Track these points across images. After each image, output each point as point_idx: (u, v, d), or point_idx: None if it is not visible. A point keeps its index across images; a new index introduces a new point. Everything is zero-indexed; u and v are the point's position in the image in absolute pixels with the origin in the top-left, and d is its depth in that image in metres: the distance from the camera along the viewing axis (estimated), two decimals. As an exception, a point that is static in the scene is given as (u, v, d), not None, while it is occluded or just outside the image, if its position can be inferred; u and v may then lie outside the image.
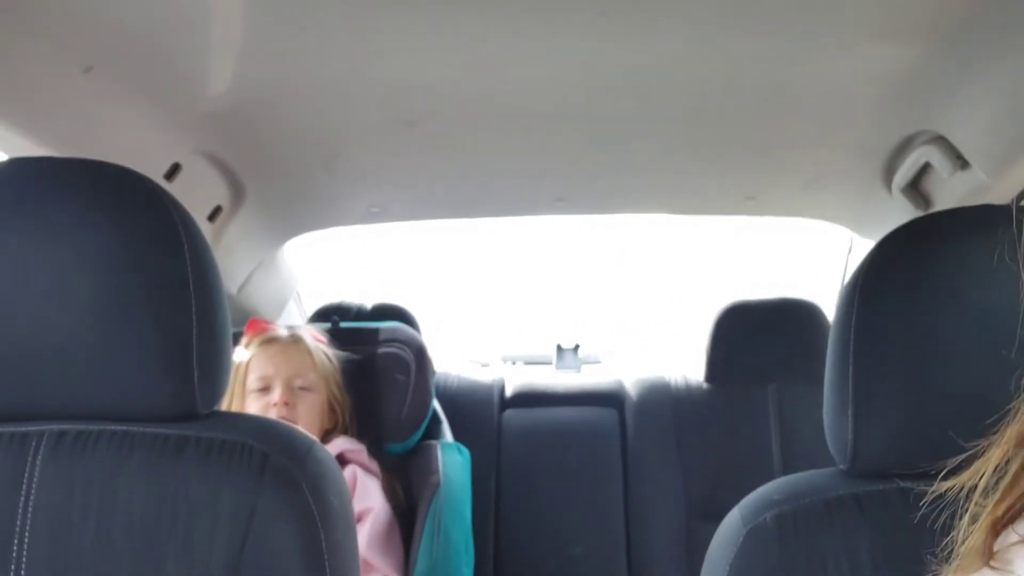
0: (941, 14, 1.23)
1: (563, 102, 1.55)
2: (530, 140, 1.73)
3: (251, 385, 1.74)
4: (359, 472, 1.73)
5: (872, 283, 0.87)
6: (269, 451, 0.90)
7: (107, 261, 0.87)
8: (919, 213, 1.80)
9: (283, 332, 1.81)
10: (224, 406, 1.35)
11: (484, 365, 2.91)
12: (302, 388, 1.75)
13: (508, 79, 1.46)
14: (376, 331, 1.96)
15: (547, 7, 1.24)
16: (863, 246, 2.25)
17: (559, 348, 2.83)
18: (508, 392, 2.37)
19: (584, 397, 2.36)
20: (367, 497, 1.70)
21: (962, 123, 1.52)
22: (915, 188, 1.78)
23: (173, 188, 1.61)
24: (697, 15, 1.27)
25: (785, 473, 0.96)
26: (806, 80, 1.47)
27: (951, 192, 1.67)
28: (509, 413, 2.32)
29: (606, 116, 1.61)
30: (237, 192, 1.86)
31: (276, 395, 1.71)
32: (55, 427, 0.90)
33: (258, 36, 1.32)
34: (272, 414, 1.69)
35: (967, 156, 1.55)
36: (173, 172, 1.64)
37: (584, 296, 3.79)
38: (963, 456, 0.61)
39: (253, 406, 1.72)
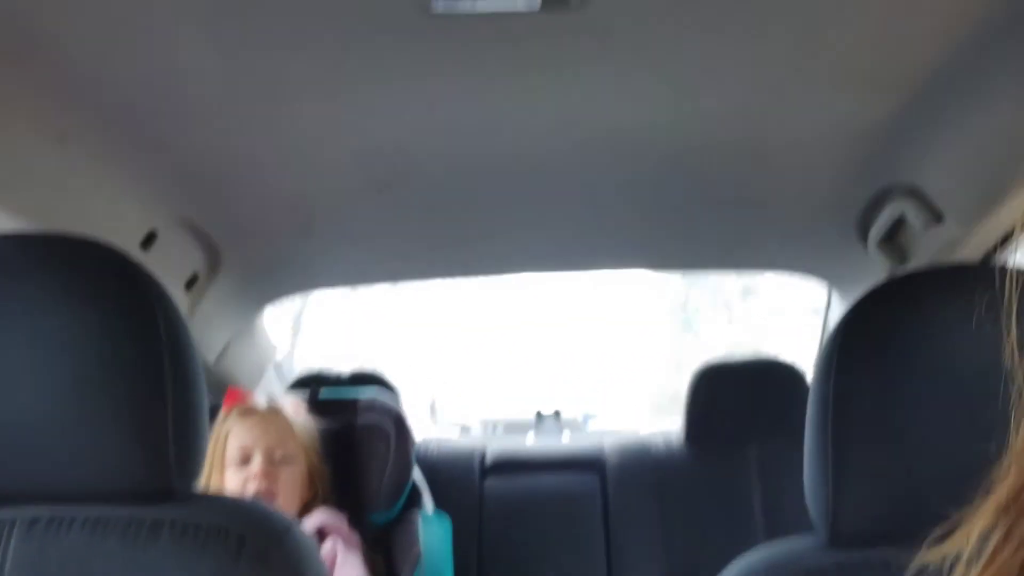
0: (914, 68, 1.25)
1: (538, 161, 1.56)
2: (508, 199, 1.73)
3: (230, 457, 1.71)
4: (340, 545, 1.69)
5: (848, 345, 0.86)
6: (246, 533, 0.87)
7: (80, 338, 0.86)
8: (896, 267, 1.81)
9: (262, 402, 1.79)
10: (204, 478, 1.32)
11: (465, 429, 2.89)
12: (282, 459, 1.72)
13: (482, 141, 1.47)
14: (355, 401, 1.94)
15: (518, 70, 1.25)
16: (842, 302, 2.26)
17: (539, 415, 2.81)
18: (488, 460, 2.35)
19: (565, 463, 2.34)
20: (348, 569, 1.67)
21: (935, 175, 1.54)
22: (891, 242, 1.79)
23: (149, 257, 1.59)
24: (671, 74, 1.28)
25: (768, 536, 0.95)
26: (780, 135, 1.49)
27: (926, 246, 1.68)
28: (490, 481, 2.29)
29: (581, 174, 1.62)
30: (214, 258, 1.85)
31: (256, 466, 1.69)
32: (28, 513, 0.87)
33: (231, 101, 1.32)
34: (252, 486, 1.67)
35: (941, 208, 1.56)
36: (149, 240, 1.62)
37: (565, 359, 3.79)
38: (945, 528, 0.60)
39: (233, 478, 1.69)
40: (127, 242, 1.52)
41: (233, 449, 1.71)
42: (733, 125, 1.44)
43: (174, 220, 1.66)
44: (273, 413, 1.76)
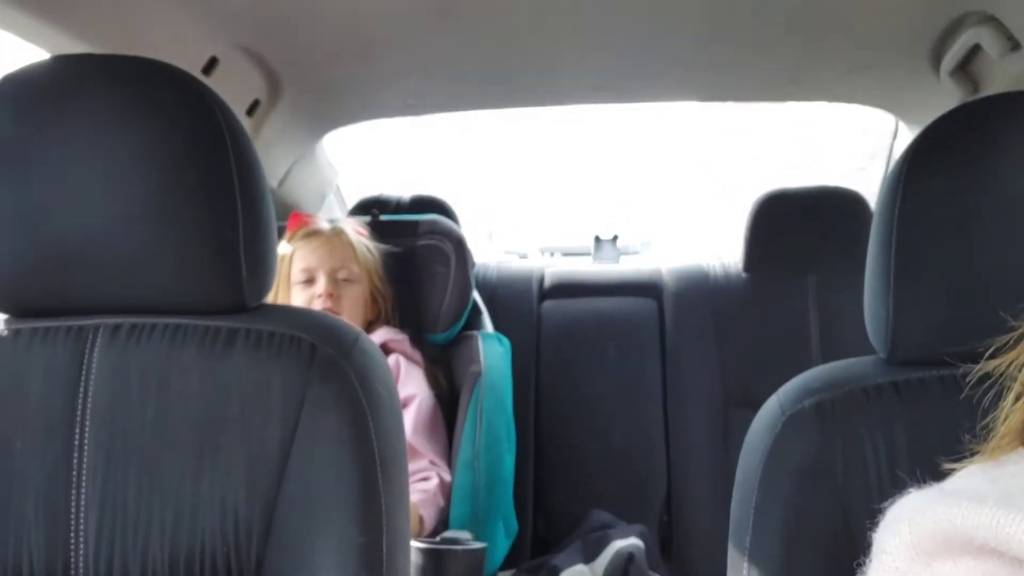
0: None
1: None
2: (567, 27, 1.69)
3: (295, 277, 1.77)
4: (402, 361, 1.77)
5: (918, 168, 0.86)
6: (317, 342, 0.92)
7: (153, 158, 0.88)
8: (967, 97, 1.75)
9: (325, 225, 1.83)
10: (270, 299, 1.38)
11: (522, 256, 2.92)
12: (345, 280, 1.77)
13: None
14: (415, 223, 1.97)
15: None
16: (909, 132, 2.21)
17: (597, 239, 2.82)
18: (547, 283, 2.38)
19: (623, 287, 2.37)
20: (411, 385, 1.74)
21: (1013, 2, 1.47)
22: (963, 71, 1.73)
23: (211, 82, 1.59)
24: None
25: (824, 361, 0.97)
26: None
27: (1001, 75, 1.62)
28: (548, 303, 2.34)
29: (645, 1, 1.58)
30: (274, 86, 1.86)
31: (320, 287, 1.74)
32: (110, 320, 0.93)
33: None
34: (316, 305, 1.73)
35: (1019, 37, 1.50)
36: (211, 66, 1.63)
37: (622, 186, 3.76)
38: (1009, 337, 0.61)
39: (297, 298, 1.76)
40: (189, 67, 1.52)
41: (298, 270, 1.76)
42: None
43: (235, 46, 1.67)
44: (336, 234, 1.81)
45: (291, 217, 1.87)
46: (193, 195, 0.90)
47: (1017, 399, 0.57)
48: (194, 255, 0.91)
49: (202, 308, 0.93)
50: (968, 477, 0.57)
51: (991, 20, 1.53)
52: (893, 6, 1.60)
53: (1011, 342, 0.61)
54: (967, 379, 0.65)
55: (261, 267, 0.96)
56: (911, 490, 0.56)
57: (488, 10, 1.60)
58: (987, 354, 0.62)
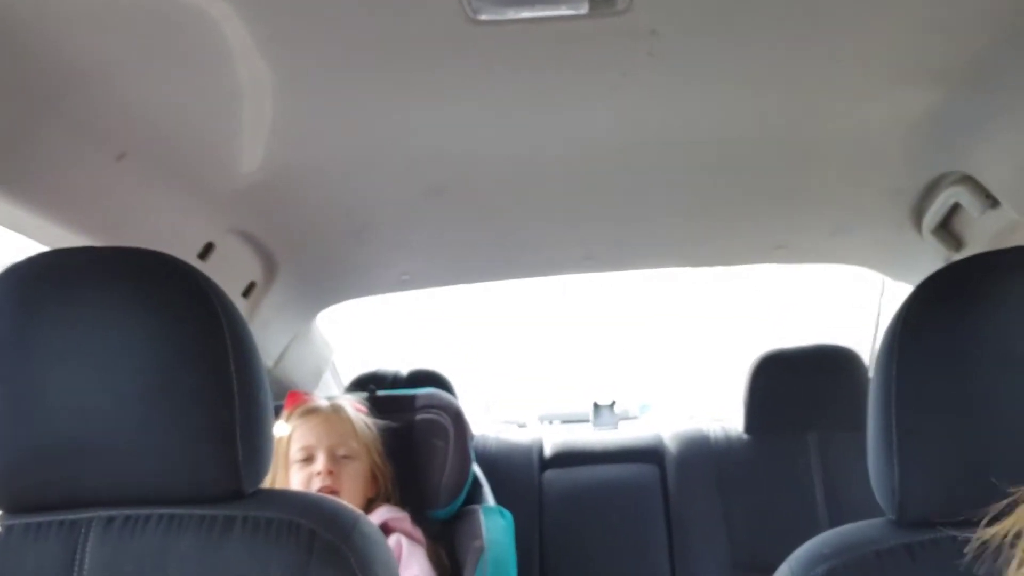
0: (964, 56, 1.24)
1: (590, 162, 1.57)
2: (558, 201, 1.74)
3: (294, 456, 1.74)
4: (404, 541, 1.72)
5: (911, 330, 0.86)
6: (316, 528, 0.90)
7: (149, 347, 0.89)
8: (951, 254, 1.79)
9: (323, 402, 1.83)
10: (268, 480, 1.35)
11: (521, 426, 2.90)
12: (345, 457, 1.75)
13: (533, 143, 1.48)
14: (413, 398, 1.97)
15: (570, 71, 1.25)
16: (896, 289, 2.24)
17: (596, 406, 2.82)
18: (547, 452, 2.36)
19: (624, 454, 2.35)
20: (414, 566, 1.69)
21: (990, 162, 1.52)
22: (945, 229, 1.78)
23: (207, 267, 1.63)
24: (720, 72, 1.28)
25: (831, 522, 0.95)
26: (832, 129, 1.48)
27: (982, 231, 1.66)
28: (549, 473, 2.31)
29: (633, 173, 1.62)
30: (270, 267, 1.89)
31: (320, 464, 1.72)
32: (103, 513, 0.91)
33: (286, 114, 1.35)
34: (315, 484, 1.70)
35: (997, 195, 1.55)
36: (207, 251, 1.66)
37: (617, 351, 3.78)
38: (1005, 502, 0.60)
39: (296, 477, 1.73)
40: (186, 254, 1.56)
41: (296, 448, 1.74)
42: (783, 120, 1.43)
43: (231, 231, 1.70)
44: (335, 412, 1.80)
45: (288, 396, 1.86)
46: (189, 382, 0.90)
47: (1020, 566, 0.56)
48: (190, 443, 0.90)
49: (198, 497, 0.92)
50: None
51: (968, 180, 1.58)
52: (874, 169, 1.65)
53: (1008, 509, 0.60)
54: (965, 550, 0.64)
55: (258, 451, 0.95)
56: None
57: (480, 188, 1.65)
58: (983, 523, 0.61)
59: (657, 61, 1.22)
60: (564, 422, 3.00)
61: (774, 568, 0.92)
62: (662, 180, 1.67)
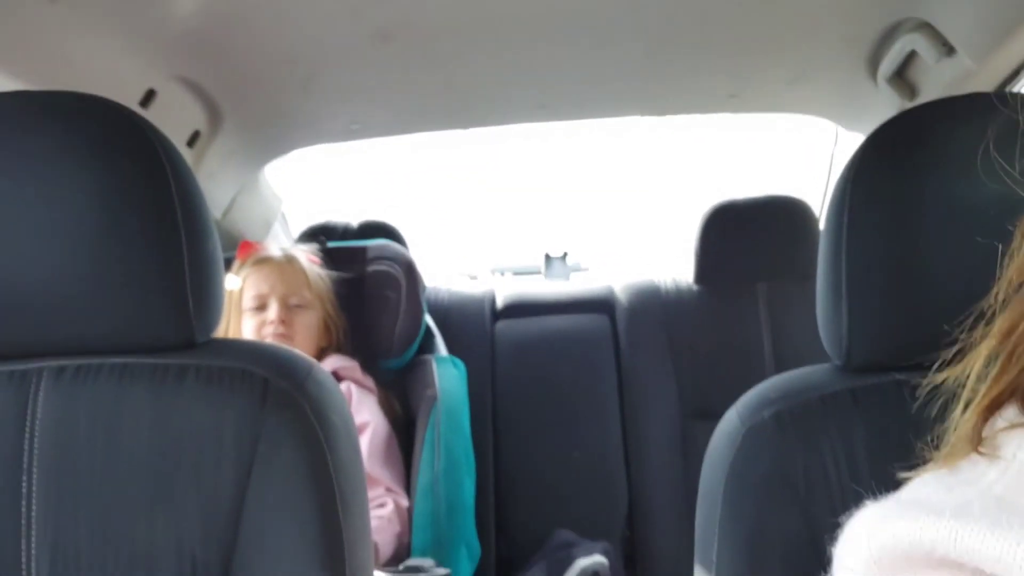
0: None
1: (542, 6, 1.52)
2: (510, 47, 1.70)
3: (246, 304, 1.74)
4: (354, 388, 1.75)
5: (864, 177, 0.86)
6: (269, 376, 0.90)
7: (93, 194, 0.86)
8: (905, 102, 1.79)
9: (277, 252, 1.81)
10: (220, 329, 1.35)
11: (473, 277, 2.91)
12: (298, 306, 1.75)
13: None
14: (364, 249, 1.96)
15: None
16: (849, 138, 2.24)
17: (547, 257, 2.83)
18: (499, 303, 2.38)
19: (575, 305, 2.37)
20: (364, 412, 1.72)
21: (948, 9, 1.50)
22: (901, 77, 1.76)
23: (149, 115, 1.58)
24: None
25: (778, 370, 0.97)
26: None
27: (937, 79, 1.65)
28: (501, 324, 2.33)
29: (585, 19, 1.58)
30: (215, 115, 1.83)
31: (272, 313, 1.72)
32: (54, 363, 0.90)
33: None
34: (268, 332, 1.70)
35: (953, 42, 1.53)
36: (148, 99, 1.60)
37: (570, 204, 3.77)
38: (956, 348, 0.61)
39: (248, 324, 1.73)
40: (126, 101, 1.50)
41: (249, 297, 1.74)
42: None
43: (172, 77, 1.64)
44: (288, 261, 1.79)
45: (241, 245, 1.84)
46: (136, 231, 0.88)
47: (966, 407, 0.57)
48: (139, 292, 0.89)
49: (150, 346, 0.91)
50: (923, 486, 0.56)
51: (926, 26, 1.56)
52: (830, 15, 1.62)
53: (956, 354, 0.61)
54: (917, 391, 0.66)
55: (209, 301, 0.94)
56: (868, 502, 0.56)
57: (428, 32, 1.60)
58: (934, 368, 0.62)
59: None
60: (516, 274, 3.01)
61: (720, 416, 0.94)
62: (615, 26, 1.63)
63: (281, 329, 1.71)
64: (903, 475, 0.60)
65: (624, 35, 1.66)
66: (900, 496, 0.56)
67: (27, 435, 0.88)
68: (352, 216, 2.23)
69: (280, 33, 1.56)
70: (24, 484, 0.87)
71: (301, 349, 1.72)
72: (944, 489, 0.53)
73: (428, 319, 2.01)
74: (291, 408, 0.89)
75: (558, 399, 2.22)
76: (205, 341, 0.95)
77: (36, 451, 0.88)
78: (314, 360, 0.98)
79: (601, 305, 2.33)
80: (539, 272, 2.85)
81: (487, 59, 1.75)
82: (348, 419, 0.97)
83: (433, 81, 1.86)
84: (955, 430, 0.58)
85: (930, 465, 0.59)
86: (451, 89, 1.93)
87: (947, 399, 0.62)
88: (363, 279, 1.92)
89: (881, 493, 0.57)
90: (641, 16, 1.58)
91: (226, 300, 1.72)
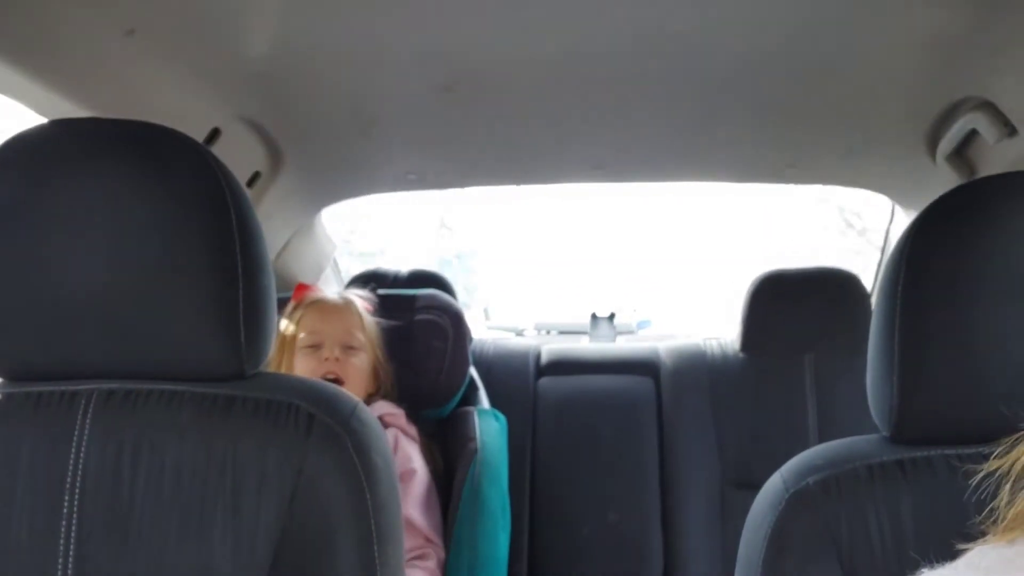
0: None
1: (604, 66, 1.54)
2: (569, 106, 1.72)
3: (301, 342, 1.76)
4: (400, 436, 1.75)
5: (919, 250, 0.86)
6: (315, 411, 0.91)
7: (156, 222, 0.88)
8: (963, 182, 1.77)
9: (335, 295, 1.84)
10: (273, 368, 1.36)
11: (519, 334, 2.91)
12: (351, 348, 1.77)
13: (548, 43, 1.45)
14: (414, 298, 1.97)
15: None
16: (905, 215, 2.22)
17: (594, 317, 2.82)
18: (543, 360, 2.38)
19: (619, 365, 2.36)
20: (409, 460, 1.72)
21: (1010, 88, 1.49)
22: (960, 156, 1.75)
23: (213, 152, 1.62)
24: None
25: (821, 442, 0.96)
26: (850, 46, 1.45)
27: (998, 160, 1.64)
28: (545, 381, 2.33)
29: (648, 81, 1.60)
30: (275, 158, 1.87)
31: (327, 351, 1.74)
32: (104, 386, 0.92)
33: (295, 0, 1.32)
34: (321, 371, 1.72)
35: (1015, 122, 1.52)
36: (213, 137, 1.65)
37: (619, 265, 3.78)
38: (1016, 436, 0.61)
39: (302, 363, 1.74)
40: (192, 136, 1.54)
41: (304, 335, 1.76)
42: (801, 34, 1.40)
43: (237, 118, 1.68)
44: (345, 304, 1.81)
45: (297, 287, 1.87)
46: (195, 260, 0.90)
47: (1010, 505, 0.57)
48: (193, 321, 0.90)
49: (200, 375, 0.92)
50: (982, 558, 0.56)
51: (988, 105, 1.55)
52: (890, 92, 1.62)
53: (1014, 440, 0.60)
54: (969, 480, 0.65)
55: (260, 335, 0.95)
56: (924, 570, 0.55)
57: (491, 87, 1.62)
58: (995, 454, 0.61)
59: None
60: (561, 333, 3.01)
61: (762, 484, 0.93)
62: (675, 91, 1.64)
63: (335, 367, 1.73)
64: (961, 547, 0.59)
65: (682, 99, 1.67)
66: (958, 565, 0.55)
67: (72, 455, 0.89)
68: (402, 264, 2.26)
69: (345, 80, 1.59)
70: (66, 504, 0.88)
71: (351, 392, 1.73)
72: (1003, 561, 0.53)
73: (473, 371, 2.01)
74: (334, 444, 0.90)
75: (597, 459, 2.21)
76: (254, 373, 0.96)
77: (80, 471, 0.89)
78: (359, 400, 0.99)
79: (646, 367, 2.32)
80: (585, 332, 2.84)
81: (546, 117, 1.77)
82: (390, 460, 0.97)
83: (490, 136, 1.89)
84: (1013, 506, 0.58)
85: (989, 538, 0.58)
86: (508, 145, 1.95)
87: (1001, 476, 0.62)
88: (411, 327, 1.93)
89: (935, 564, 0.56)
90: (700, 81, 1.59)
91: (280, 339, 1.74)
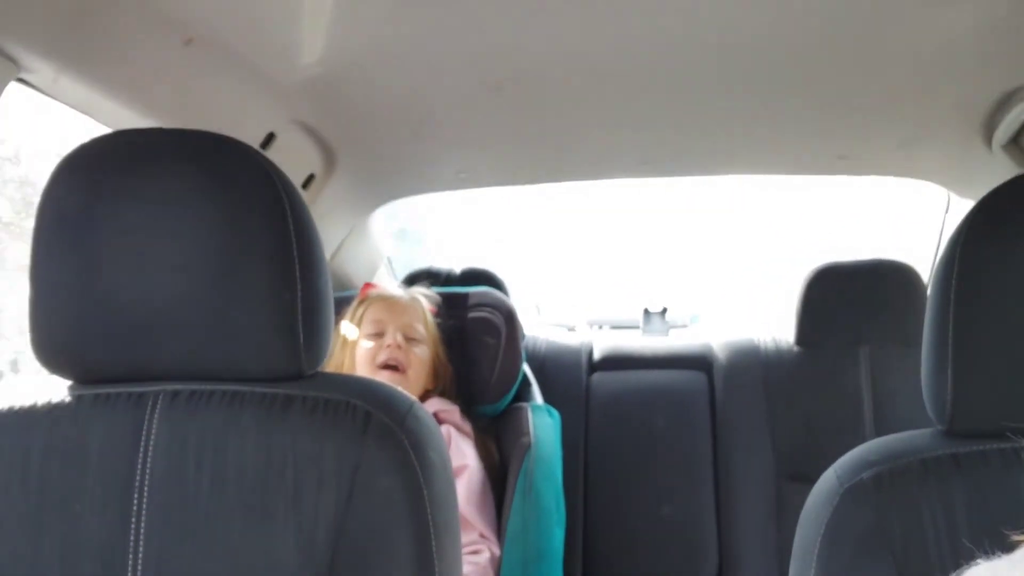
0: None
1: (651, 62, 1.54)
2: (618, 101, 1.72)
3: (365, 330, 1.79)
4: (453, 432, 1.77)
5: (973, 241, 0.86)
6: (372, 409, 0.93)
7: (217, 228, 0.91)
8: (1020, 171, 1.74)
9: (396, 290, 1.88)
10: (332, 367, 1.39)
11: (571, 329, 2.92)
12: (413, 339, 1.80)
13: (596, 40, 1.45)
14: (466, 296, 1.99)
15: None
16: (961, 205, 2.19)
17: (646, 312, 2.82)
18: (596, 355, 2.38)
19: (672, 360, 2.35)
20: (462, 455, 1.74)
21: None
22: (1017, 144, 1.73)
23: (268, 156, 1.65)
24: None
25: (877, 436, 0.96)
26: (902, 34, 1.43)
27: (1055, 148, 1.62)
28: (597, 376, 2.33)
29: (694, 75, 1.59)
30: (329, 160, 1.90)
31: (390, 337, 1.77)
32: (170, 387, 0.94)
33: (348, 3, 1.34)
34: (383, 356, 1.75)
35: (1073, 109, 1.50)
36: (268, 141, 1.68)
37: (671, 259, 3.76)
38: None
39: (364, 350, 1.78)
40: (248, 142, 1.57)
41: (368, 323, 1.80)
42: (851, 21, 1.39)
43: (292, 122, 1.71)
44: (411, 299, 1.85)
45: (364, 285, 1.91)
46: (255, 265, 0.92)
47: None
48: (254, 323, 0.93)
49: (260, 375, 0.95)
50: None
51: (1044, 93, 1.53)
52: (944, 80, 1.60)
53: None
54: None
55: (318, 336, 0.97)
56: (979, 561, 0.55)
57: (540, 85, 1.63)
58: None
59: None
60: (614, 327, 3.01)
61: (817, 479, 0.93)
62: (722, 84, 1.64)
63: (397, 354, 1.76)
64: (1017, 538, 0.59)
65: (730, 91, 1.67)
66: (1012, 557, 0.55)
67: (141, 455, 0.92)
68: (455, 262, 2.28)
69: (396, 81, 1.61)
70: (135, 502, 0.91)
71: (411, 383, 1.76)
72: None
73: (526, 367, 2.02)
74: (391, 441, 0.92)
75: (651, 453, 2.21)
76: (312, 373, 0.98)
77: (149, 471, 0.92)
78: (415, 398, 1.01)
79: (699, 362, 2.31)
80: (637, 327, 2.84)
81: (594, 113, 1.78)
82: (445, 457, 0.99)
83: (540, 134, 1.90)
84: None
85: None
86: (557, 142, 1.96)
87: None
88: (464, 325, 1.95)
89: (991, 555, 0.56)
90: (748, 73, 1.58)
91: (340, 341, 1.78)
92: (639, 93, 1.68)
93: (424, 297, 1.90)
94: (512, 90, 1.64)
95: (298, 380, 0.96)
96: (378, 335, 1.79)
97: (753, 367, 2.18)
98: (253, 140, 1.64)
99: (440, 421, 1.78)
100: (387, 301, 1.84)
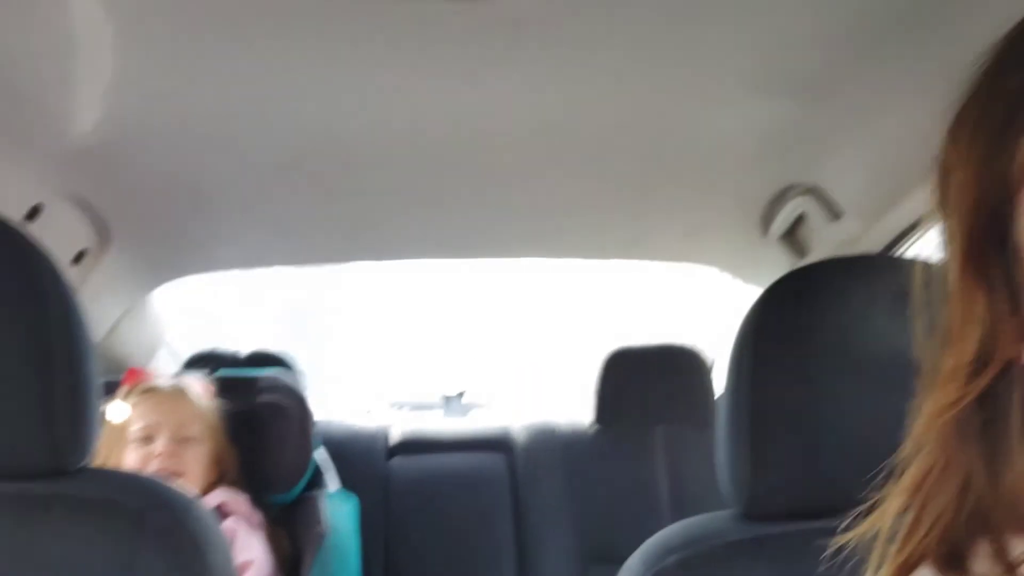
0: (816, 71, 1.27)
1: (446, 146, 1.53)
2: (412, 184, 1.70)
3: (132, 435, 1.65)
4: (241, 524, 1.66)
5: (760, 332, 0.88)
6: (146, 508, 0.84)
7: None
8: (796, 261, 1.85)
9: (166, 382, 1.74)
10: (102, 458, 1.27)
11: (368, 412, 2.86)
12: (187, 440, 1.67)
13: (390, 124, 1.43)
14: (255, 380, 1.90)
15: (430, 54, 1.21)
16: (747, 289, 2.30)
17: (445, 398, 2.81)
18: (394, 439, 2.33)
19: (472, 443, 2.34)
20: (248, 550, 1.63)
21: (836, 175, 1.57)
22: (792, 236, 1.83)
23: (33, 230, 1.51)
24: (577, 69, 1.26)
25: (673, 515, 0.96)
26: (688, 131, 1.50)
27: (826, 241, 1.72)
28: (397, 460, 2.28)
29: (489, 159, 1.60)
30: (103, 235, 1.77)
31: (160, 445, 1.63)
32: None
33: (126, 71, 1.25)
34: (154, 465, 1.62)
35: (841, 206, 1.60)
36: (34, 213, 1.54)
37: (469, 340, 3.77)
38: (862, 508, 0.61)
39: (132, 456, 1.64)
40: (9, 214, 1.44)
41: (136, 428, 1.65)
42: (641, 119, 1.44)
43: (61, 194, 1.59)
44: (178, 392, 1.71)
45: (128, 372, 1.76)
46: (6, 350, 0.82)
47: (878, 567, 0.57)
48: (7, 414, 0.82)
49: (14, 472, 0.84)
50: None
51: (815, 190, 1.63)
52: (725, 175, 1.68)
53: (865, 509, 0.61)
54: (821, 556, 0.66)
55: (81, 426, 0.88)
56: None
57: (331, 166, 1.59)
58: (841, 526, 0.62)
59: (518, 50, 1.20)
60: (414, 409, 2.97)
61: (620, 559, 0.92)
62: (519, 170, 1.65)
63: (169, 463, 1.62)
64: None
65: (525, 177, 1.69)
66: None
67: None
68: (241, 345, 2.17)
69: (178, 156, 1.53)
70: None
71: (190, 484, 1.63)
72: None
73: (319, 453, 1.94)
74: (168, 545, 0.83)
75: (453, 538, 2.17)
76: (77, 469, 0.88)
77: None
78: (194, 495, 0.92)
79: (498, 444, 2.30)
80: (439, 407, 2.82)
81: (388, 196, 1.75)
82: (227, 557, 0.91)
83: (332, 214, 1.85)
84: None
85: None
86: (350, 223, 1.91)
87: (862, 555, 0.62)
88: (253, 410, 1.85)
89: None
90: (542, 160, 1.60)
91: (108, 430, 1.63)
92: (435, 175, 1.67)
93: (197, 381, 1.78)
94: (303, 170, 1.60)
95: (60, 477, 0.86)
96: (148, 439, 1.65)
97: (552, 447, 2.19)
98: (15, 212, 1.50)
99: (227, 513, 1.66)
100: (156, 397, 1.70)
